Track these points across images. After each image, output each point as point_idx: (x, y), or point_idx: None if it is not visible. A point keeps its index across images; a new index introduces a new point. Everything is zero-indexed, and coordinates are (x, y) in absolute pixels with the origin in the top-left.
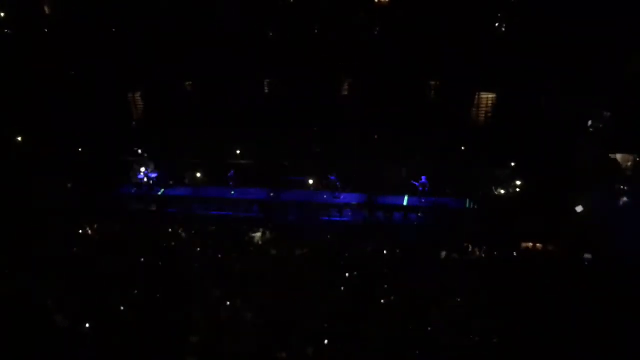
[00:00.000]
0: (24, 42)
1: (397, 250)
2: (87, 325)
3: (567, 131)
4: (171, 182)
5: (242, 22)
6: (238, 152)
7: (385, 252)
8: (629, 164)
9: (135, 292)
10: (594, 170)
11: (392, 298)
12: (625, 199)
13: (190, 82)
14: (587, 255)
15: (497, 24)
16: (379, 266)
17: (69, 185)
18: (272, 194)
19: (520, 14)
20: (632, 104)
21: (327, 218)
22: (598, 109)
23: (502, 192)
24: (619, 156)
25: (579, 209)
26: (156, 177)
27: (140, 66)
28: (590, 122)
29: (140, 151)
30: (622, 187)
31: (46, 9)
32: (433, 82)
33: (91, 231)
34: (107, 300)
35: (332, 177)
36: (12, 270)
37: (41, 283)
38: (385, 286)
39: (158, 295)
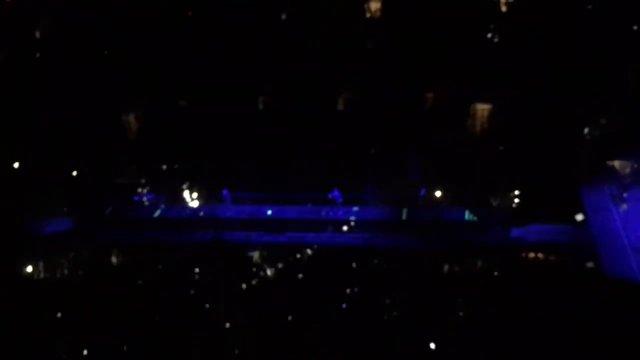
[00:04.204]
0: (17, 65)
1: (398, 264)
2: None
3: (563, 139)
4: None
5: (236, 39)
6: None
7: (386, 266)
8: (627, 170)
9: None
10: (592, 178)
11: (395, 313)
12: (624, 205)
13: (185, 101)
14: (590, 264)
15: (489, 35)
16: (380, 281)
17: (65, 210)
18: (270, 212)
19: (512, 24)
20: (628, 111)
21: (328, 234)
22: (594, 116)
23: (501, 202)
24: (616, 163)
25: (579, 217)
26: (152, 198)
27: (134, 88)
28: (586, 130)
29: (135, 173)
30: (621, 193)
31: (37, 33)
32: (429, 94)
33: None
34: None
35: (336, 193)
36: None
37: (35, 307)
38: (388, 301)
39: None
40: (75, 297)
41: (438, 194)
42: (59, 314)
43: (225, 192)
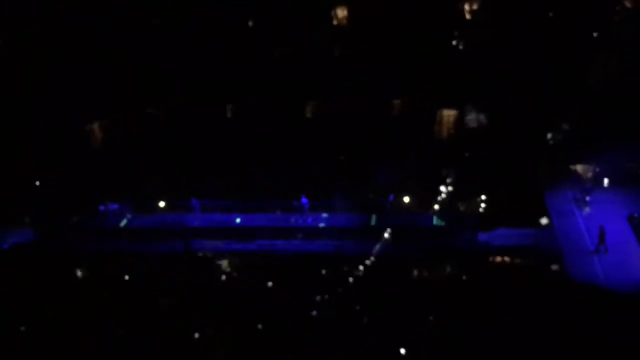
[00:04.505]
0: None
1: (368, 270)
2: None
3: (527, 145)
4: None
5: (202, 49)
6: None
7: (356, 272)
8: (589, 174)
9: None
10: (556, 182)
11: (365, 319)
12: (587, 209)
13: (152, 111)
14: (555, 266)
15: (454, 42)
16: (350, 287)
17: (27, 220)
18: (239, 220)
19: (477, 32)
20: (589, 116)
21: (297, 241)
22: (557, 122)
23: (468, 207)
24: (579, 167)
25: (544, 221)
26: (117, 208)
27: (99, 98)
28: (549, 135)
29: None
30: (584, 196)
31: None
32: (396, 101)
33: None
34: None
35: (303, 200)
36: None
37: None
38: (358, 307)
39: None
40: (39, 310)
41: (406, 200)
42: (22, 328)
43: (193, 200)
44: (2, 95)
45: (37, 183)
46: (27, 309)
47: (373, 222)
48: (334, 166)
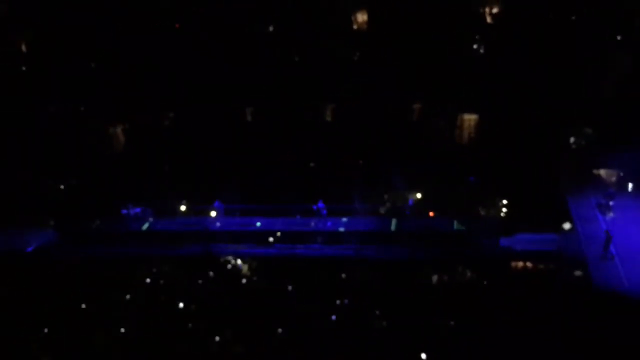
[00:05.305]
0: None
1: (388, 275)
2: None
3: (550, 149)
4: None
5: (222, 53)
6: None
7: (376, 277)
8: (613, 179)
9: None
10: (579, 187)
11: (385, 324)
12: (611, 214)
13: (172, 114)
14: (578, 272)
15: (475, 46)
16: (370, 292)
17: (50, 223)
18: (259, 224)
19: (498, 35)
20: (613, 121)
21: (316, 245)
22: (580, 126)
23: (489, 212)
24: (602, 172)
25: (567, 226)
26: (140, 212)
27: (121, 100)
28: (572, 139)
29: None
30: (607, 201)
31: (23, 47)
32: (416, 105)
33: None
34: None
35: (320, 204)
36: None
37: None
38: (377, 312)
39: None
40: (62, 312)
41: (426, 204)
42: (45, 329)
43: (217, 203)
44: (27, 98)
45: (61, 186)
46: (50, 311)
47: (393, 226)
48: (354, 170)
